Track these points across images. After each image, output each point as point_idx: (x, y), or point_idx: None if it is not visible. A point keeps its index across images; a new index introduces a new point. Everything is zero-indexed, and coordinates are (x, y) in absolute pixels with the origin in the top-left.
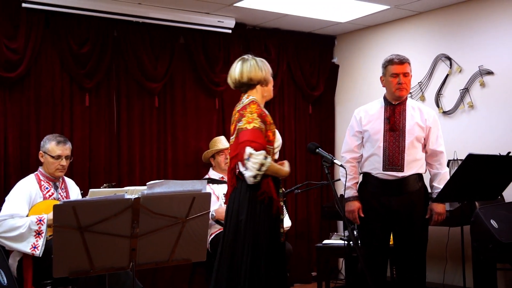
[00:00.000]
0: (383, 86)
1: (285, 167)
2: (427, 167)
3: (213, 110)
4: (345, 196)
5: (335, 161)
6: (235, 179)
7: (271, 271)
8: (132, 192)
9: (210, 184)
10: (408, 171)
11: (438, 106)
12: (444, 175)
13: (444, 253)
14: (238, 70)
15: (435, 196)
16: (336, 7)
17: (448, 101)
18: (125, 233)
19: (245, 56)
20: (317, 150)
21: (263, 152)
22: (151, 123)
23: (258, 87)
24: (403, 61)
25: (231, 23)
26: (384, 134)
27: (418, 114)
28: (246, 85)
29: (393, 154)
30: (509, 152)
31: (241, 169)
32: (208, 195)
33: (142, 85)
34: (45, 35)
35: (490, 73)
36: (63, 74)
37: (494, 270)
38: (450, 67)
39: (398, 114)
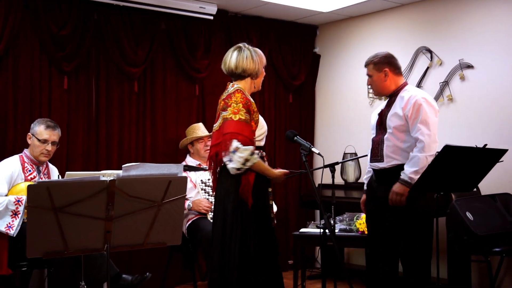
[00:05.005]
0: None
1: (276, 170)
2: None
3: (193, 97)
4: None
5: (313, 149)
6: (217, 168)
7: (264, 258)
8: (108, 175)
9: (188, 172)
10: (389, 161)
11: None
12: (415, 157)
13: None
14: (234, 60)
15: (401, 176)
16: None
17: (428, 94)
18: (99, 215)
19: (241, 45)
20: (295, 138)
21: (251, 148)
22: (130, 108)
23: (248, 79)
24: (365, 64)
25: (213, 9)
26: (376, 128)
27: (399, 103)
28: (238, 75)
29: (375, 146)
30: (486, 145)
31: (225, 159)
32: (184, 179)
33: (121, 69)
34: (24, 16)
35: (470, 66)
36: (42, 56)
37: (469, 262)
38: (431, 60)
39: (387, 108)
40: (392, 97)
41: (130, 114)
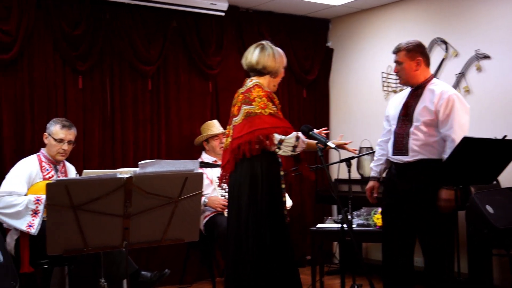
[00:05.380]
0: None
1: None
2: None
3: (207, 93)
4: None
5: (328, 143)
6: (233, 161)
7: (279, 254)
8: (125, 173)
9: (204, 168)
10: (414, 155)
11: None
12: None
13: None
14: (256, 56)
15: None
16: None
17: None
18: (117, 212)
19: (264, 43)
20: (311, 132)
21: (294, 134)
22: (144, 106)
23: (267, 76)
24: (395, 50)
25: (224, 5)
26: (398, 119)
27: (429, 96)
28: (258, 72)
29: (399, 139)
30: (505, 136)
31: (273, 149)
32: (200, 175)
33: (135, 67)
34: (37, 16)
35: (486, 57)
36: (55, 56)
37: (490, 256)
38: (446, 51)
39: (413, 99)
40: (418, 89)
41: (144, 112)
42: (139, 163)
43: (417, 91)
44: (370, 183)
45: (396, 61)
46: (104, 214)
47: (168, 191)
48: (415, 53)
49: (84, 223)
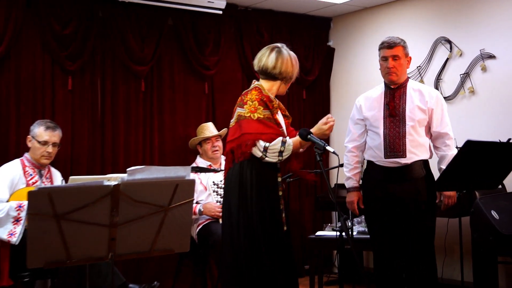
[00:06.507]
0: (379, 70)
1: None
2: (434, 151)
3: (203, 94)
4: (346, 187)
5: (327, 147)
6: (227, 166)
7: (275, 261)
8: (114, 179)
9: (199, 173)
10: (411, 157)
11: None
12: (451, 157)
13: (443, 246)
14: (272, 59)
15: None
16: None
17: (448, 86)
18: (104, 221)
19: (279, 45)
20: (309, 136)
21: (279, 139)
22: (137, 108)
23: (278, 81)
24: (392, 45)
25: (222, 3)
26: (384, 120)
27: (418, 96)
28: (271, 76)
29: (394, 141)
30: (510, 139)
31: (258, 155)
32: (192, 182)
33: (128, 68)
34: (26, 14)
35: (492, 57)
36: (44, 56)
37: (495, 263)
38: (450, 51)
39: (397, 98)
40: (400, 88)
41: (137, 114)
42: (127, 169)
43: (399, 90)
44: (353, 194)
45: (392, 56)
46: (90, 223)
47: (158, 199)
48: (407, 51)
49: (68, 233)
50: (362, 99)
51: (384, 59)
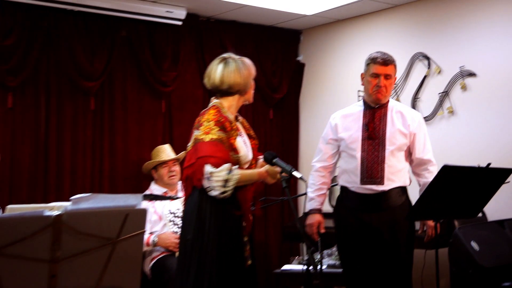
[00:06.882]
0: (362, 85)
1: (258, 168)
2: (415, 177)
3: (159, 114)
4: (307, 208)
5: (294, 173)
6: (185, 194)
7: None
8: (57, 208)
9: (153, 201)
10: (389, 184)
11: None
12: None
13: (420, 280)
14: (218, 74)
15: None
16: None
17: (426, 106)
18: (43, 256)
19: (226, 56)
20: (274, 160)
21: (225, 166)
22: (85, 128)
23: (236, 96)
24: (387, 62)
25: (181, 13)
26: (362, 142)
27: (400, 119)
28: (224, 92)
29: (372, 166)
30: (489, 164)
31: (205, 185)
32: (143, 211)
33: (76, 83)
34: None
35: (472, 74)
36: None
37: None
38: (429, 68)
39: (378, 120)
40: (381, 108)
41: (85, 135)
42: (71, 198)
43: (379, 111)
44: (315, 217)
45: (385, 74)
46: (27, 259)
47: (105, 230)
48: (396, 69)
49: (2, 270)
50: (339, 117)
51: (374, 76)
